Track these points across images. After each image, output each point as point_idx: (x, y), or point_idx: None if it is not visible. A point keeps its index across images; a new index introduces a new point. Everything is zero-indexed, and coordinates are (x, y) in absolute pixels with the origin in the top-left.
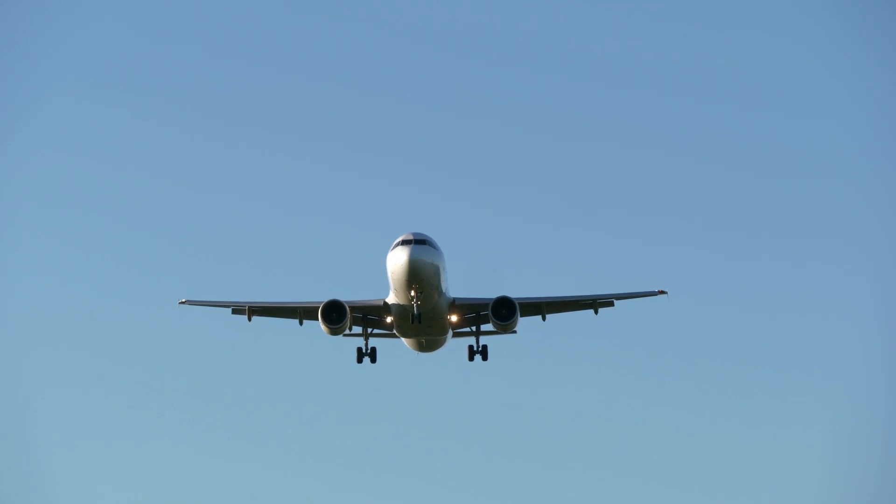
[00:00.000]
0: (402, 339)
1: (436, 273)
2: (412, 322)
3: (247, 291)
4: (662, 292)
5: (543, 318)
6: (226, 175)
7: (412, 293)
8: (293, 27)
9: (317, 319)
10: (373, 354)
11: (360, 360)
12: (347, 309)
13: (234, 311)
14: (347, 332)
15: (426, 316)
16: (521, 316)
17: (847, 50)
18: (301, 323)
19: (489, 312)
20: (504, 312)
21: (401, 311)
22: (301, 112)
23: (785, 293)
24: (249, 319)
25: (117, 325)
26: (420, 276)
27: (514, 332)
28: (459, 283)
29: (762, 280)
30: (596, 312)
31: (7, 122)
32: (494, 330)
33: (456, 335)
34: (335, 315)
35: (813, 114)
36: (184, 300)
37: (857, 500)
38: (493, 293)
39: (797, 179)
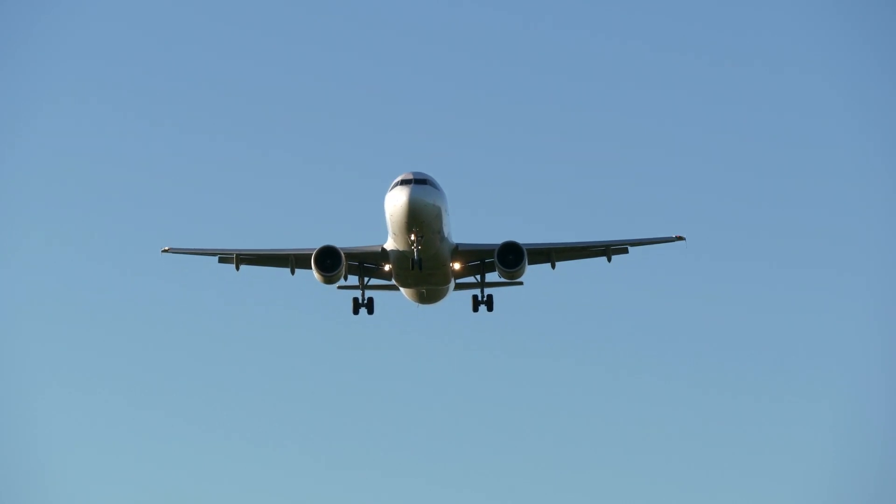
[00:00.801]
0: (402, 289)
1: (437, 215)
2: (412, 268)
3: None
4: (680, 238)
5: (553, 266)
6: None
7: (412, 237)
8: (294, 27)
9: (310, 268)
10: (370, 305)
11: (356, 312)
12: (342, 255)
13: (221, 260)
14: (343, 281)
15: (427, 263)
16: (529, 263)
17: (847, 50)
18: (293, 272)
19: (495, 259)
20: (511, 259)
21: (400, 257)
22: (301, 112)
23: (784, 293)
24: (237, 269)
25: (117, 326)
26: (420, 219)
27: (521, 283)
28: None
29: (762, 280)
30: (609, 260)
31: (7, 122)
32: (500, 281)
33: (458, 287)
34: (329, 262)
35: (813, 114)
36: (166, 248)
37: (857, 500)
38: (498, 240)
39: (797, 179)
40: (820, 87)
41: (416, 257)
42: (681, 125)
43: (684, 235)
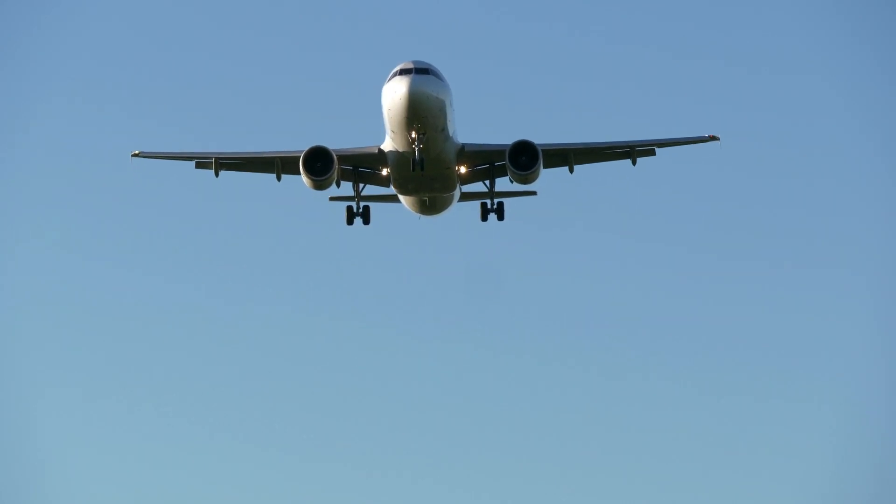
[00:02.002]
0: (402, 198)
1: (441, 109)
2: (413, 171)
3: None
4: (714, 138)
5: (571, 170)
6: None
7: (412, 135)
8: (294, 27)
9: (297, 173)
10: (365, 214)
11: (350, 222)
12: (334, 157)
13: (199, 165)
14: (336, 189)
15: (430, 165)
16: (545, 167)
17: (847, 50)
18: (279, 178)
19: (506, 160)
20: (524, 160)
21: (399, 159)
22: (301, 111)
23: (784, 293)
24: (217, 174)
25: (117, 326)
26: (422, 113)
27: (534, 192)
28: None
29: (761, 280)
30: (634, 163)
31: (7, 122)
32: (511, 190)
33: (464, 198)
34: (320, 165)
35: (813, 114)
36: (137, 152)
37: (857, 500)
38: (509, 141)
39: (797, 179)
40: (820, 88)
41: (417, 157)
42: (680, 125)
43: (717, 136)
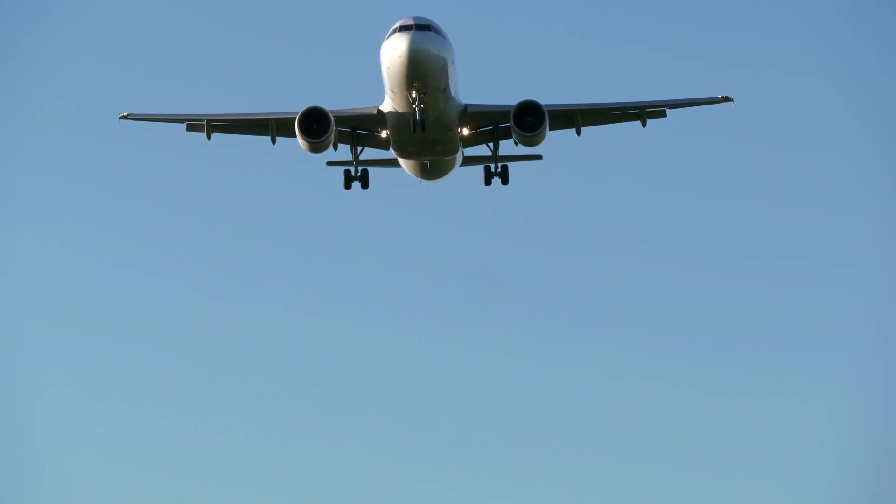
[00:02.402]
0: (402, 162)
1: (442, 68)
2: (413, 132)
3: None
4: (727, 99)
5: (578, 132)
6: None
7: (413, 94)
8: (294, 27)
9: (293, 135)
10: (364, 178)
11: (347, 186)
12: (332, 118)
13: (190, 128)
14: (333, 152)
15: (431, 127)
16: (551, 129)
17: (847, 50)
18: (274, 140)
19: (511, 123)
20: (529, 121)
21: (399, 120)
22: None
23: (784, 293)
24: (209, 137)
25: (117, 326)
26: (423, 71)
27: (540, 156)
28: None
29: (761, 280)
30: (644, 124)
31: (7, 122)
32: (516, 154)
33: (466, 162)
34: (316, 127)
35: (813, 114)
36: (125, 114)
37: (857, 500)
38: (514, 101)
39: (797, 179)
40: (820, 88)
41: (417, 118)
42: (680, 125)
43: (730, 95)
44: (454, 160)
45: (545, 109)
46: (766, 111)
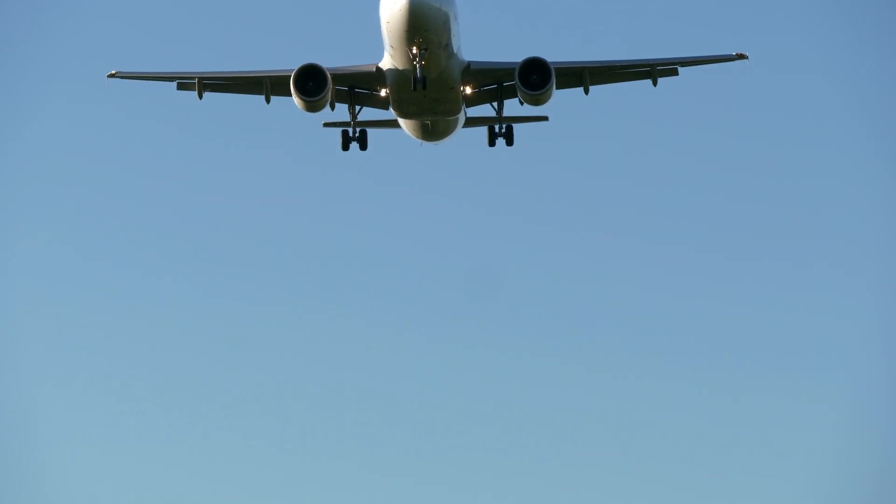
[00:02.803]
0: (402, 122)
1: (444, 23)
2: (414, 90)
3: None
4: (742, 56)
5: (586, 91)
6: None
7: (413, 50)
8: (294, 27)
9: (288, 94)
10: (362, 139)
11: (345, 147)
12: (328, 76)
13: (181, 87)
14: (330, 112)
15: (433, 85)
16: (558, 88)
17: (847, 50)
18: (268, 99)
19: (516, 81)
20: (535, 79)
21: (399, 78)
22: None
23: (785, 293)
24: (200, 96)
25: (116, 326)
26: (424, 26)
27: (546, 118)
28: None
29: (762, 280)
30: (655, 83)
31: (7, 122)
32: (520, 115)
33: (469, 123)
34: (312, 85)
35: (813, 114)
36: (113, 72)
37: (857, 500)
38: (519, 58)
39: (797, 179)
40: (820, 88)
41: (418, 75)
42: (681, 125)
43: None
44: (456, 120)
45: (552, 67)
46: (766, 111)
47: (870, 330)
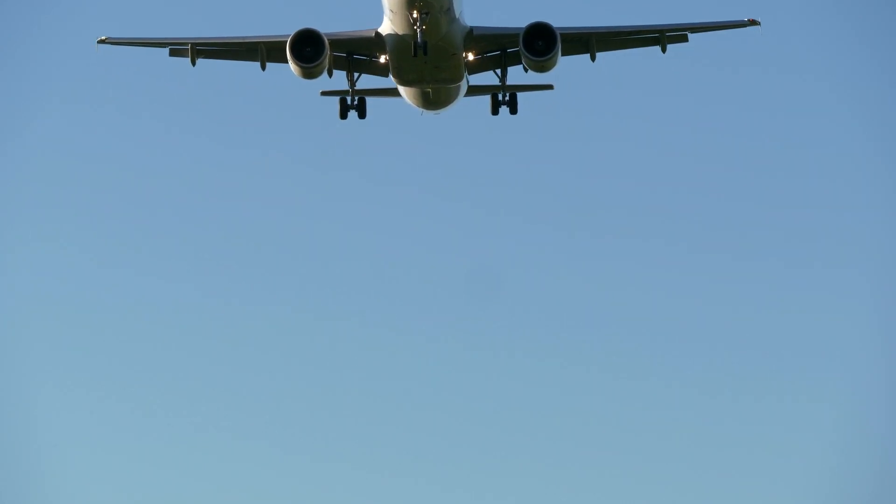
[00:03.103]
0: (402, 90)
1: None
2: (415, 56)
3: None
4: (754, 22)
5: (592, 58)
6: None
7: (414, 14)
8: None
9: (284, 61)
10: (361, 107)
11: (343, 116)
12: (326, 42)
13: (173, 53)
14: (328, 79)
15: (433, 51)
16: (563, 54)
17: (847, 50)
18: (263, 66)
19: (520, 47)
20: (540, 45)
21: (399, 43)
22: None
23: (785, 293)
24: (193, 63)
25: (116, 327)
26: None
27: (551, 86)
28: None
29: (762, 280)
30: (664, 50)
31: (7, 122)
32: (524, 84)
33: (471, 91)
34: (309, 51)
35: (813, 114)
36: (103, 38)
37: (857, 500)
38: (523, 23)
39: (797, 179)
40: (820, 88)
41: (419, 41)
42: (680, 125)
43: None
44: (458, 88)
45: (557, 32)
46: (766, 111)
47: (870, 330)
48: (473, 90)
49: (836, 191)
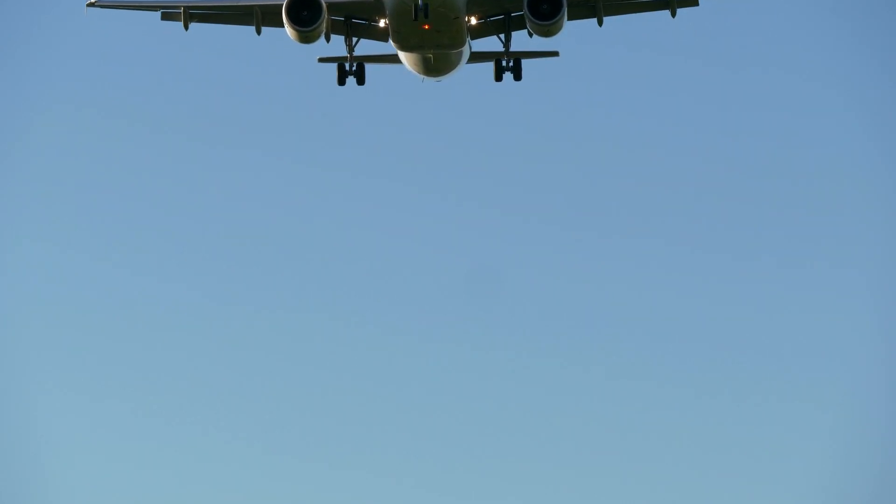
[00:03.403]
0: (402, 56)
1: None
2: (415, 19)
3: None
4: None
5: (600, 23)
6: None
7: None
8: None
9: (280, 25)
10: (359, 73)
11: (341, 81)
12: (323, 5)
13: (165, 17)
14: (325, 44)
15: (434, 14)
16: (569, 19)
17: (847, 50)
18: (259, 30)
19: (524, 10)
20: (546, 8)
21: (399, 6)
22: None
23: (785, 293)
24: (186, 27)
25: (116, 327)
26: None
27: (556, 53)
28: None
29: (762, 280)
30: (673, 14)
31: (7, 122)
32: (529, 51)
33: (474, 58)
34: (306, 14)
35: (813, 114)
36: (92, 1)
37: (857, 500)
38: None
39: (797, 179)
40: (820, 88)
41: (419, 4)
42: (681, 126)
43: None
44: (460, 54)
45: None
46: (766, 111)
47: (870, 330)
48: (476, 56)
49: (836, 191)
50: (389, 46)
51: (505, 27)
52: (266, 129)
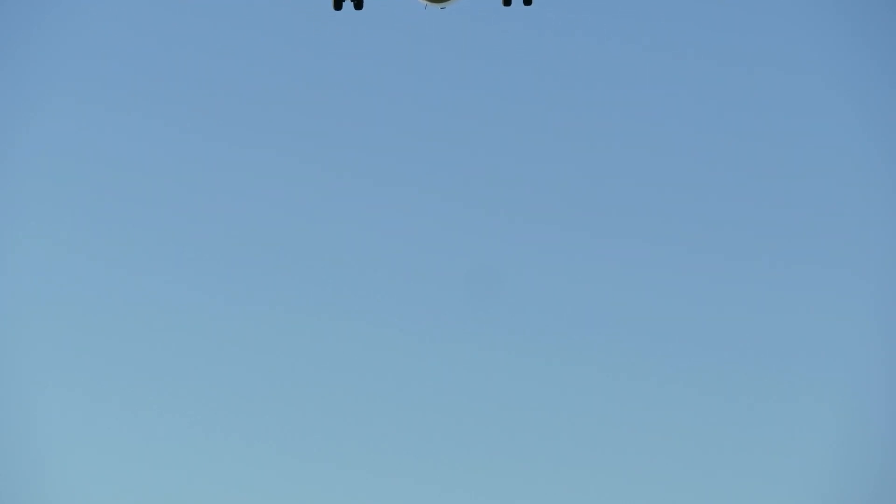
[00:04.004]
0: None
1: None
2: None
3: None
4: None
5: None
6: None
7: None
8: (293, 28)
9: None
10: None
11: (338, 6)
12: None
13: None
14: None
15: None
16: None
17: (847, 50)
18: None
19: None
20: None
21: None
22: (301, 114)
23: (785, 293)
24: None
25: (116, 327)
26: None
27: None
28: None
29: (762, 280)
30: None
31: (7, 122)
32: None
33: None
34: None
35: (813, 114)
36: None
37: (857, 500)
38: None
39: (797, 179)
40: (820, 88)
41: None
42: (681, 126)
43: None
44: None
45: None
46: (767, 111)
47: (870, 330)
48: None
49: (836, 191)
50: None
51: None
52: (267, 129)
